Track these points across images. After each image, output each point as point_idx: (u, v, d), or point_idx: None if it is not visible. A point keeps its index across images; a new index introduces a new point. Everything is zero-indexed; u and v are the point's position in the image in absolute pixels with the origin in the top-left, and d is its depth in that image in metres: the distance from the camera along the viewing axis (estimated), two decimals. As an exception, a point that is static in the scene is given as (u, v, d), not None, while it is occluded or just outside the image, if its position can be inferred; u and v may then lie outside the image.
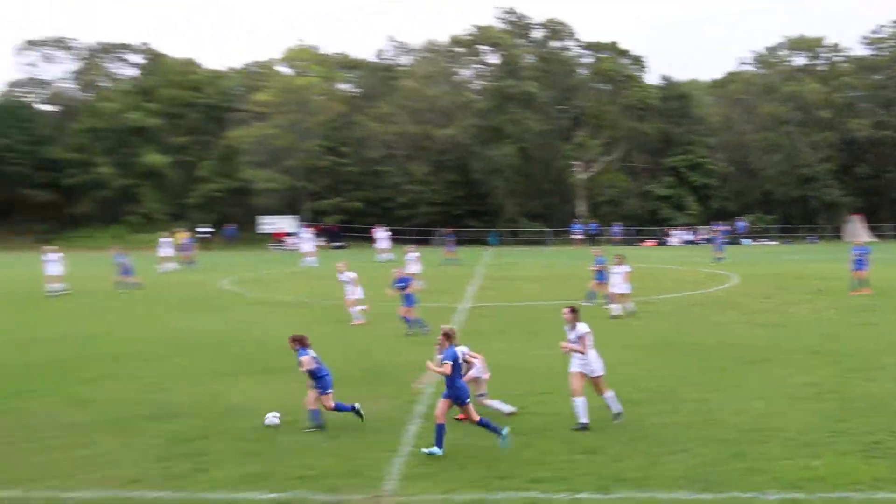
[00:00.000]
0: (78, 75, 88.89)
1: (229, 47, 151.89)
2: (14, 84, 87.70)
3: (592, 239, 68.88)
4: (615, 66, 78.15)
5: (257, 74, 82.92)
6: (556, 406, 14.47)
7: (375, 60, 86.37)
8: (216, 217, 77.72)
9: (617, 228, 72.38)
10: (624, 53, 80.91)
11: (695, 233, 72.46)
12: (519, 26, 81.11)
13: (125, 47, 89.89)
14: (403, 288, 23.78)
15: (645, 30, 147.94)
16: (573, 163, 76.22)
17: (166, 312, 27.90)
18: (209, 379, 17.09)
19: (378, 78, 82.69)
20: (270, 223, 75.04)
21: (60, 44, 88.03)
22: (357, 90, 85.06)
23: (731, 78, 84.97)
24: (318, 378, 13.37)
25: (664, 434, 12.78)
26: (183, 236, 52.68)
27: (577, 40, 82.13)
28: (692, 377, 16.87)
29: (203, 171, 76.88)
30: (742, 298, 30.13)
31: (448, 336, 12.77)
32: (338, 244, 71.03)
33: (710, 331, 22.97)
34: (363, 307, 25.34)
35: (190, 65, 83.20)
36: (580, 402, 13.07)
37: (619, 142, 78.64)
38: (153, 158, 77.09)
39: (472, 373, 14.14)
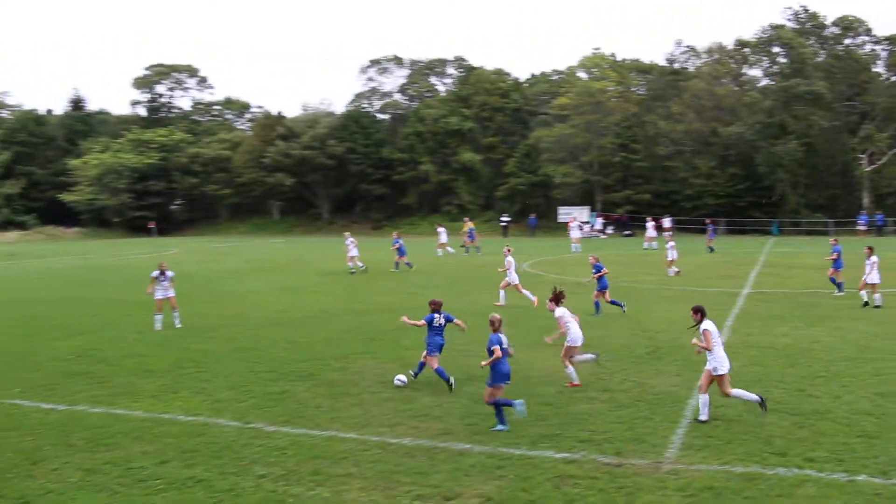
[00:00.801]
0: (406, 87, 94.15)
1: (534, 56, 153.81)
2: (358, 96, 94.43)
3: (878, 230, 63.35)
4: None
5: (557, 81, 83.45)
6: (834, 389, 13.47)
7: (664, 64, 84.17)
8: (520, 208, 79.21)
9: (879, 217, 65.89)
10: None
11: None
12: (810, 25, 75.67)
13: (445, 62, 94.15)
14: (597, 274, 23.29)
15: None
16: (859, 155, 70.35)
17: (475, 291, 28.75)
18: (514, 349, 17.40)
19: (666, 80, 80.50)
20: (567, 213, 75.44)
21: (395, 61, 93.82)
22: (647, 92, 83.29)
23: None
24: None
25: (949, 423, 11.49)
26: (468, 225, 54.25)
27: (872, 35, 75.33)
28: (981, 368, 15.04)
29: (509, 167, 78.47)
30: None
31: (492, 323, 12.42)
32: (626, 233, 70.33)
33: None
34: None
35: (499, 74, 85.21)
36: (703, 399, 11.94)
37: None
38: (467, 157, 79.73)
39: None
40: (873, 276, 23.36)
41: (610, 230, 71.12)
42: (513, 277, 25.72)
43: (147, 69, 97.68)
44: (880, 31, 75.18)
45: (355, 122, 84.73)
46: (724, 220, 71.88)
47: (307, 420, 12.08)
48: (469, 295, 27.19)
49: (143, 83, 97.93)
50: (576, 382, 14.05)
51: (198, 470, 9.97)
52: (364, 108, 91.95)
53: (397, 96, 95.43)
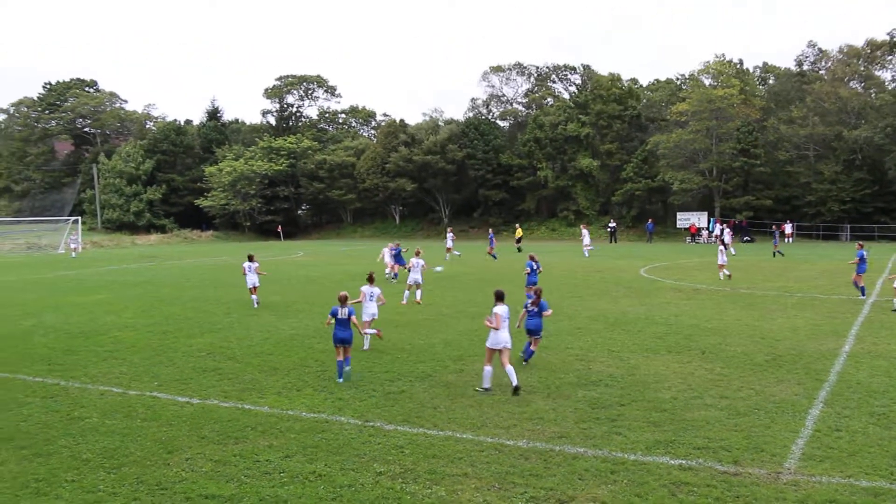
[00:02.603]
0: (529, 93, 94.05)
1: (661, 61, 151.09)
2: (478, 103, 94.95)
3: None
4: None
5: (677, 86, 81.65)
6: (968, 403, 12.68)
7: (790, 67, 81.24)
8: (637, 213, 77.89)
9: None
10: None
11: None
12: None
13: (568, 68, 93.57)
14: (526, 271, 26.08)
15: None
16: None
17: (591, 295, 28.44)
18: (628, 353, 17.18)
19: (792, 83, 77.62)
20: (685, 219, 73.77)
21: (517, 69, 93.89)
22: (771, 95, 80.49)
23: None
24: None
25: None
26: (519, 233, 55.99)
27: None
28: None
29: (627, 172, 77.28)
30: None
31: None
32: (746, 238, 68.25)
33: None
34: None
35: (617, 80, 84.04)
36: (486, 370, 13.91)
37: None
38: (585, 162, 78.95)
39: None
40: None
41: (728, 237, 69.09)
42: (416, 277, 26.57)
43: (278, 80, 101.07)
44: None
45: (475, 129, 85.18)
46: (848, 226, 68.91)
47: (424, 420, 12.20)
48: (586, 300, 26.92)
49: (273, 93, 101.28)
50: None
51: (319, 465, 10.21)
52: (483, 114, 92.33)
53: (517, 104, 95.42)
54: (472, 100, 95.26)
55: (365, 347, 17.89)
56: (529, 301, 16.32)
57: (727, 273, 33.21)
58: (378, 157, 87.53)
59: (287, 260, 50.80)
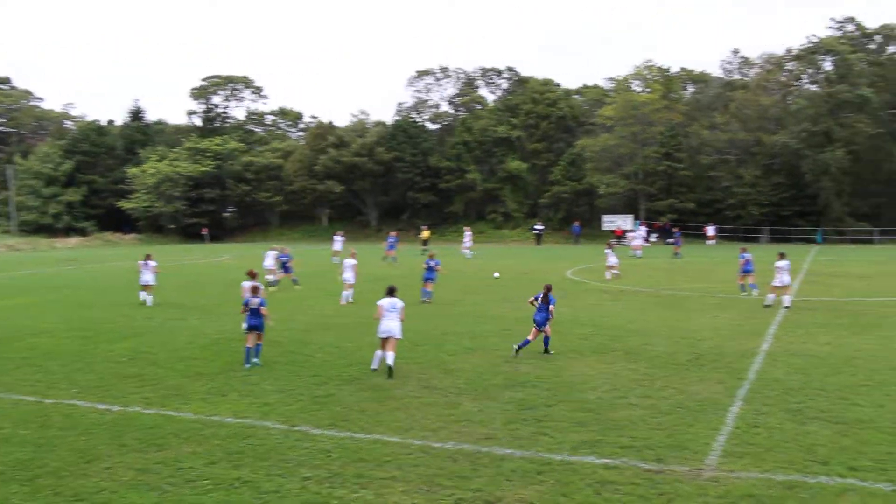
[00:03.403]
0: (455, 97, 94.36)
1: (587, 67, 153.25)
2: (405, 106, 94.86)
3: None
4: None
5: (606, 90, 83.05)
6: (878, 398, 13.19)
7: (713, 73, 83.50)
8: (564, 215, 78.89)
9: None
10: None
11: None
12: (855, 32, 74.36)
13: (495, 72, 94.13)
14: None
15: None
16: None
17: (519, 297, 28.64)
18: (554, 355, 17.37)
19: (715, 89, 79.67)
20: (611, 221, 75.02)
21: (443, 73, 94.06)
22: (695, 101, 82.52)
23: None
24: None
25: None
26: (426, 235, 55.31)
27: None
28: None
29: (554, 175, 78.20)
30: None
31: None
32: (670, 241, 69.70)
33: None
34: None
35: (548, 84, 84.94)
36: (376, 354, 15.69)
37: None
38: (514, 164, 79.65)
39: None
40: (782, 279, 24.65)
41: (654, 238, 70.47)
42: (348, 277, 27.52)
43: (204, 80, 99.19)
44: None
45: (403, 132, 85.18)
46: (767, 229, 71.01)
47: (352, 423, 12.13)
48: (513, 302, 27.12)
49: (199, 94, 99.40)
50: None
51: (245, 471, 10.06)
52: (412, 117, 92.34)
53: (445, 106, 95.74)
54: (400, 104, 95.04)
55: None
56: (540, 296, 17.50)
57: (616, 273, 34.74)
58: (306, 159, 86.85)
59: (212, 263, 50.01)
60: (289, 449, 10.93)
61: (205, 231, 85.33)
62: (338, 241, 49.32)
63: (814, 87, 74.84)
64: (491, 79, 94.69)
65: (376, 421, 12.25)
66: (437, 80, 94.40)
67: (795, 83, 76.68)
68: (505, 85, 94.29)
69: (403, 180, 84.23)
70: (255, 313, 16.39)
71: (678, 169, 72.80)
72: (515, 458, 10.43)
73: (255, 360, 16.34)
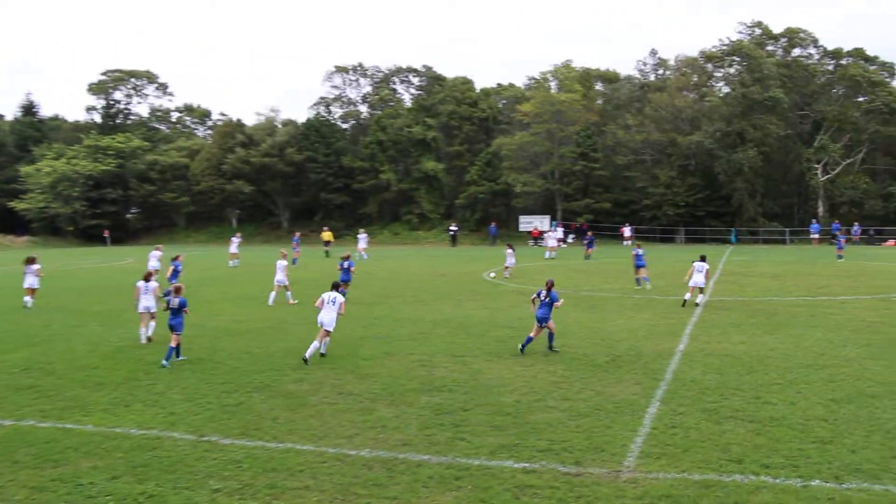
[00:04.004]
0: (370, 95, 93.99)
1: (503, 66, 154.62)
2: (319, 104, 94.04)
3: (833, 238, 64.70)
4: (860, 71, 72.39)
5: (522, 89, 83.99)
6: (790, 396, 13.65)
7: (630, 74, 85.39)
8: (480, 216, 79.46)
9: (856, 229, 67.35)
10: (871, 59, 74.85)
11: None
12: (760, 36, 77.11)
13: (411, 71, 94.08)
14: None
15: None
16: (814, 165, 71.82)
17: (434, 299, 28.72)
18: (471, 358, 17.42)
19: (630, 90, 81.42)
20: (528, 222, 75.89)
21: (360, 70, 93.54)
22: (611, 101, 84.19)
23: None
24: None
25: (902, 429, 11.70)
26: (327, 237, 56.30)
27: (819, 47, 77.05)
28: (933, 374, 15.32)
29: (471, 175, 78.72)
30: None
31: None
32: (586, 241, 70.85)
33: (955, 329, 20.80)
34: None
35: (465, 83, 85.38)
36: (313, 345, 17.04)
37: (861, 144, 73.05)
38: (430, 165, 79.86)
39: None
40: (696, 280, 25.54)
41: (571, 239, 71.60)
42: (280, 279, 28.08)
43: (103, 74, 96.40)
44: (829, 43, 77.36)
45: (315, 131, 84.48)
46: (683, 229, 72.93)
47: (263, 432, 11.94)
48: (429, 304, 27.16)
49: (98, 89, 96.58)
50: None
51: (150, 485, 9.79)
52: (325, 116, 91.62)
53: (360, 105, 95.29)
54: (315, 104, 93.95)
55: (144, 341, 19.68)
56: (542, 292, 17.92)
57: (508, 275, 36.30)
58: (214, 159, 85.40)
59: (115, 266, 48.65)
60: (197, 460, 10.68)
61: (106, 233, 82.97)
62: (234, 243, 48.58)
63: (727, 89, 77.32)
64: (406, 77, 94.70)
65: (289, 429, 12.09)
66: (353, 77, 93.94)
67: (709, 84, 78.98)
68: (420, 83, 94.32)
69: (316, 181, 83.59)
70: (174, 313, 16.98)
71: (594, 169, 74.20)
72: (432, 465, 10.42)
73: (164, 362, 16.60)
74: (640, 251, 32.32)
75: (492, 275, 36.00)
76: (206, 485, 9.78)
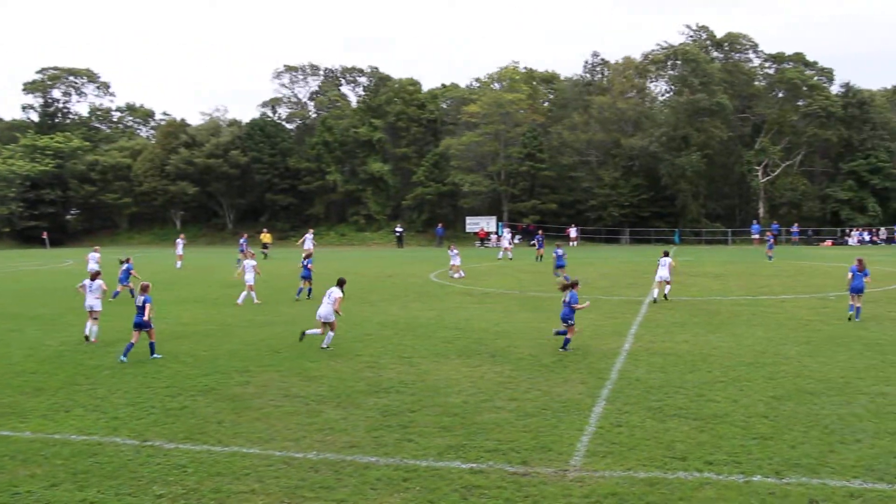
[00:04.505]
0: (317, 95, 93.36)
1: (449, 67, 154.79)
2: (265, 104, 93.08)
3: (774, 239, 66.12)
4: (799, 75, 74.10)
5: (469, 90, 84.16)
6: (732, 393, 13.91)
7: (575, 76, 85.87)
8: (427, 217, 79.47)
9: (795, 230, 68.98)
10: (810, 64, 76.64)
11: (871, 233, 68.10)
12: (704, 40, 78.42)
13: (358, 71, 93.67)
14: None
15: (831, 35, 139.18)
16: (755, 167, 73.34)
17: (382, 300, 28.65)
18: (419, 359, 17.43)
19: (576, 91, 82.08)
20: (475, 223, 76.09)
21: (311, 69, 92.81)
22: (556, 102, 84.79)
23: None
24: None
25: (839, 424, 12.00)
26: (267, 238, 56.78)
27: (759, 52, 78.72)
28: (869, 370, 15.75)
29: (418, 176, 78.68)
30: (923, 296, 27.91)
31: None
32: (533, 242, 71.37)
33: (889, 326, 21.37)
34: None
35: (412, 84, 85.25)
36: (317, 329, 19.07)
37: (799, 147, 74.78)
38: (376, 166, 79.62)
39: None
40: (661, 274, 27.39)
41: (517, 239, 71.92)
42: (248, 278, 28.65)
43: (39, 72, 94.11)
44: (769, 48, 79.08)
45: (261, 131, 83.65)
46: (628, 230, 73.82)
47: (208, 436, 11.80)
48: (376, 305, 27.09)
49: (35, 87, 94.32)
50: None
51: (91, 492, 9.61)
52: (271, 116, 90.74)
53: (307, 106, 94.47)
54: (263, 104, 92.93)
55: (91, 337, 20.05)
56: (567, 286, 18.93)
57: (459, 275, 36.63)
58: (157, 159, 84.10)
59: (54, 269, 47.59)
60: (140, 465, 10.52)
61: (45, 235, 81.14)
62: (179, 245, 48.02)
63: (670, 94, 78.54)
64: (354, 78, 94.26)
65: (234, 432, 11.96)
66: (301, 77, 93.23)
67: (651, 86, 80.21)
68: (368, 83, 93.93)
69: (261, 182, 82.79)
70: (139, 311, 17.53)
71: (540, 170, 74.64)
72: (380, 466, 10.40)
73: (154, 356, 17.59)
74: (561, 251, 34.95)
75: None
76: (150, 490, 9.64)
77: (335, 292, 19.08)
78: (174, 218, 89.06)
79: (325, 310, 18.86)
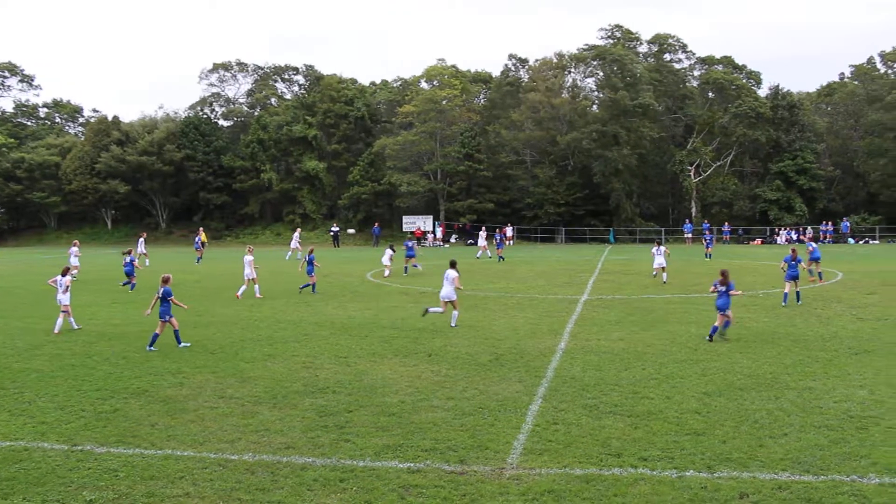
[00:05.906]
0: (251, 93, 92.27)
1: (378, 65, 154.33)
2: (198, 102, 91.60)
3: (712, 237, 67.57)
4: (728, 78, 75.81)
5: (402, 89, 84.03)
6: (666, 390, 14.14)
7: (500, 75, 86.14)
8: (363, 217, 79.18)
9: (726, 228, 70.56)
10: (738, 67, 78.44)
11: (798, 232, 70.00)
12: (626, 41, 79.55)
13: (292, 69, 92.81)
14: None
15: (761, 37, 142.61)
16: (687, 167, 74.79)
17: (318, 300, 28.45)
18: (355, 359, 17.35)
19: (504, 91, 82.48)
20: (411, 222, 76.03)
21: (239, 67, 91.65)
22: (488, 102, 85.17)
23: (836, 87, 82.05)
24: None
25: (768, 419, 12.29)
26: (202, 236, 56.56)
27: (689, 53, 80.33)
28: (797, 366, 16.16)
29: (353, 175, 78.34)
30: (846, 294, 28.73)
31: None
32: (470, 241, 71.72)
33: (815, 323, 21.98)
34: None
35: (345, 82, 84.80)
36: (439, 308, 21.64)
37: (729, 148, 76.50)
38: (311, 165, 79.04)
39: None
40: (658, 262, 32.90)
41: (454, 239, 72.17)
42: (247, 273, 29.34)
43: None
44: (699, 50, 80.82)
45: (195, 129, 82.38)
46: (563, 229, 74.57)
47: (141, 439, 11.56)
48: (311, 305, 26.88)
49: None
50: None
51: (16, 499, 9.33)
52: (206, 114, 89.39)
53: (241, 103, 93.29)
54: (196, 103, 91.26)
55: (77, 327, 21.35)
56: (717, 283, 19.50)
57: (387, 274, 37.30)
58: (87, 157, 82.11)
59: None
60: (70, 471, 10.25)
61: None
62: (140, 244, 48.05)
63: (597, 92, 79.54)
64: (288, 76, 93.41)
65: (168, 435, 11.75)
66: (233, 74, 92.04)
67: (582, 84, 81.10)
68: (302, 81, 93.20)
69: (195, 180, 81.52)
70: (163, 302, 18.78)
71: (478, 169, 74.94)
72: (317, 467, 10.32)
73: (182, 344, 18.76)
74: (411, 243, 39.56)
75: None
76: (80, 496, 9.41)
77: (451, 273, 21.43)
78: (105, 217, 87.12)
79: (446, 290, 21.31)
